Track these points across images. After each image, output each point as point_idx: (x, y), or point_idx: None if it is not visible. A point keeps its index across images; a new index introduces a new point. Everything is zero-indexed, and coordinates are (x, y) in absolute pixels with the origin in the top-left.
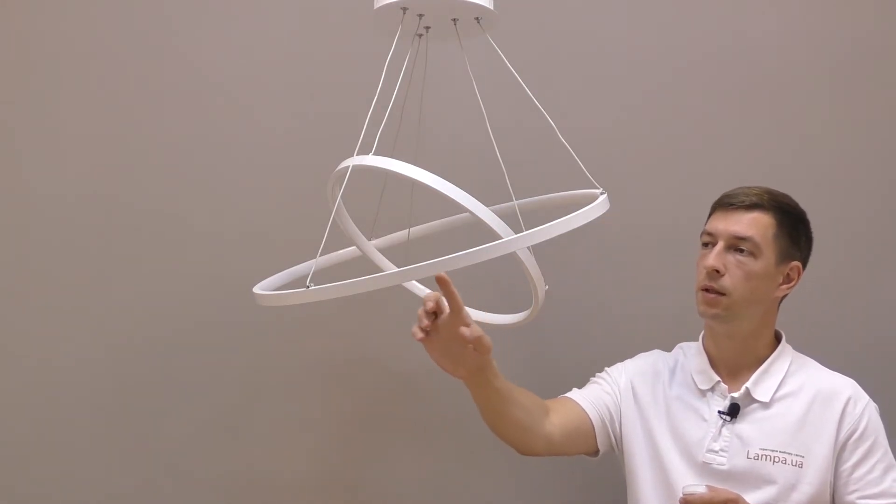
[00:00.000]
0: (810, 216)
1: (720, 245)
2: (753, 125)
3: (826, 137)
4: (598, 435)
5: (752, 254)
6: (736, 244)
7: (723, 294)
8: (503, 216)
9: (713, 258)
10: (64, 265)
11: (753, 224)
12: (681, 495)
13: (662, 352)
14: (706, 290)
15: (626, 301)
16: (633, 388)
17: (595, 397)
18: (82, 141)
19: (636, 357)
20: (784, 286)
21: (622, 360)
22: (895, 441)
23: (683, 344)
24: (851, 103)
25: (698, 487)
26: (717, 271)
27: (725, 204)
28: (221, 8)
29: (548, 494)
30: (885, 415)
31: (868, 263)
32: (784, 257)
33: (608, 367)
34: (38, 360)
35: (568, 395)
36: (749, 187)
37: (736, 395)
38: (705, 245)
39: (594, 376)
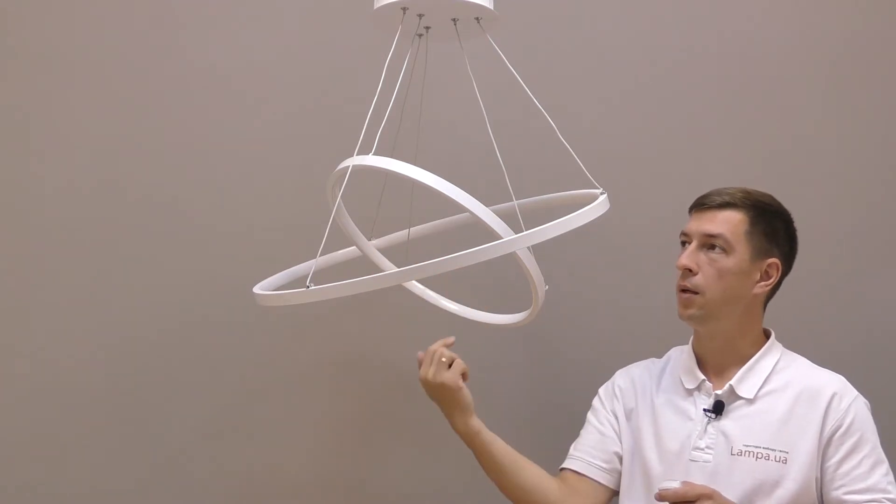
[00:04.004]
0: (806, 215)
1: (693, 244)
2: (754, 125)
3: (825, 137)
4: (611, 483)
5: (724, 250)
6: (708, 242)
7: (696, 293)
8: (503, 216)
9: (685, 257)
10: (65, 265)
11: (724, 221)
12: (656, 491)
13: (654, 359)
14: (682, 290)
15: (626, 301)
16: (622, 401)
17: (594, 451)
18: (82, 141)
19: (626, 368)
20: (762, 283)
21: (621, 358)
22: (892, 437)
23: (676, 347)
24: (850, 102)
25: (673, 483)
26: (690, 270)
27: (699, 205)
28: (222, 8)
29: None
30: (880, 413)
31: (865, 262)
32: (760, 254)
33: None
34: (37, 359)
35: (569, 466)
36: (725, 188)
37: (720, 392)
38: (683, 246)
39: (590, 410)
